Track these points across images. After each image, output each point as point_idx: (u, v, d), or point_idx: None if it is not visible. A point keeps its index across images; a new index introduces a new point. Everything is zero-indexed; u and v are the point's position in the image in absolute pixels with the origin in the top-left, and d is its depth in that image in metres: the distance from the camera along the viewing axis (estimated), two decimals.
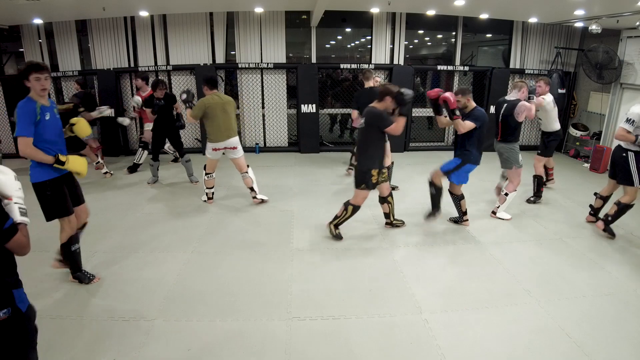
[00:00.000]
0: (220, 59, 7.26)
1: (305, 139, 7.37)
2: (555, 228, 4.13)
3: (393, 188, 4.88)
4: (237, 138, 4.54)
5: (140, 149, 6.04)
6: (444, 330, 2.51)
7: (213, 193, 4.75)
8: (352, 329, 2.53)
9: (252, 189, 4.66)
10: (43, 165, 2.68)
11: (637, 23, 5.37)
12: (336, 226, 3.78)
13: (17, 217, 1.50)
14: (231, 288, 2.99)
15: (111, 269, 3.24)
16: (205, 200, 4.76)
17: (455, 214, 4.19)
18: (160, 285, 3.00)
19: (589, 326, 2.57)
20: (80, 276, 3.00)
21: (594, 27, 5.85)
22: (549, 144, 4.90)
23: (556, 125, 4.86)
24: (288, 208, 4.60)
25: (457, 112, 3.69)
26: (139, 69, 7.05)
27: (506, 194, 4.26)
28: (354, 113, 5.01)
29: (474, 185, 5.39)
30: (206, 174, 4.62)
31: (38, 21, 6.76)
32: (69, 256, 2.91)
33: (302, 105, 7.14)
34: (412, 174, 5.91)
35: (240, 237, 3.89)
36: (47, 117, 2.66)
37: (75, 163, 2.79)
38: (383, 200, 3.93)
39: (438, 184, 3.93)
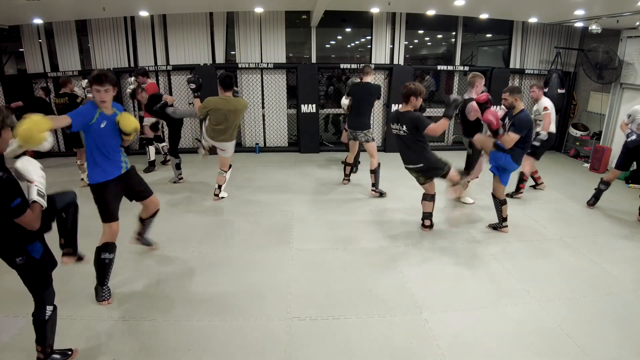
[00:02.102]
0: (220, 59, 7.26)
1: (305, 139, 7.37)
2: (555, 228, 4.13)
3: (381, 194, 4.91)
4: (229, 144, 4.56)
5: (147, 147, 6.06)
6: (444, 330, 2.51)
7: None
8: (352, 329, 2.53)
9: (219, 186, 4.77)
10: (92, 170, 2.76)
11: (637, 23, 5.37)
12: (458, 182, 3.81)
13: (33, 196, 1.88)
14: (231, 288, 2.99)
15: (111, 269, 3.23)
16: (223, 197, 4.83)
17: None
18: (160, 285, 3.00)
19: (589, 326, 2.57)
20: (98, 290, 2.79)
21: (594, 27, 5.85)
22: (542, 145, 4.87)
23: (552, 128, 4.91)
24: (288, 208, 4.60)
25: (501, 131, 3.68)
26: (139, 67, 7.04)
27: (467, 181, 4.51)
28: (345, 100, 5.12)
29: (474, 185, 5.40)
30: (226, 171, 4.73)
31: (38, 21, 6.75)
32: (97, 263, 2.76)
33: (302, 105, 7.14)
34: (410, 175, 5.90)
35: (240, 237, 3.89)
36: (103, 125, 2.66)
37: (128, 120, 2.74)
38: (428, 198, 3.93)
39: (501, 197, 3.84)
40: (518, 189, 4.99)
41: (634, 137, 4.23)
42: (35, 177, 1.92)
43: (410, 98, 3.59)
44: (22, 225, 1.84)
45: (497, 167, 3.81)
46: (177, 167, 5.48)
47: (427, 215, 3.96)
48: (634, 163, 4.70)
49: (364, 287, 3.01)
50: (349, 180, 5.51)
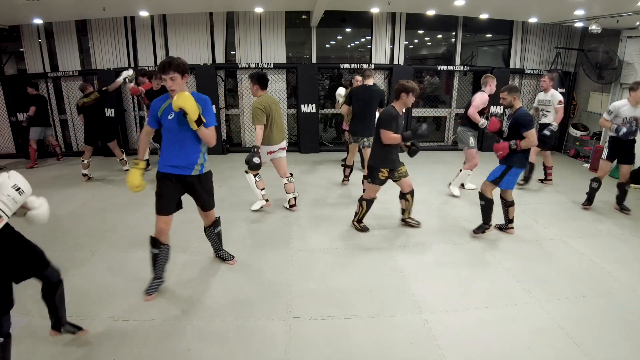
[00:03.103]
0: (220, 59, 7.26)
1: (305, 139, 7.37)
2: (555, 228, 4.13)
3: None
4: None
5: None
6: (444, 330, 2.51)
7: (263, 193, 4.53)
8: (352, 329, 2.53)
9: (295, 197, 4.52)
10: (161, 155, 2.78)
11: (637, 23, 5.37)
12: (359, 222, 3.99)
13: None
14: (231, 288, 2.99)
15: (111, 269, 3.24)
16: (262, 207, 4.53)
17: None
18: (160, 285, 2.99)
19: (589, 326, 2.57)
20: (151, 284, 2.85)
21: (594, 27, 5.85)
22: (552, 135, 5.19)
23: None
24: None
25: (513, 146, 3.60)
26: (139, 69, 7.04)
27: (460, 170, 5.01)
28: (344, 108, 5.10)
29: (474, 183, 5.40)
30: (254, 175, 4.39)
31: (38, 21, 6.76)
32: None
33: (302, 105, 7.14)
34: (411, 174, 5.90)
35: (240, 237, 3.89)
36: (170, 117, 2.62)
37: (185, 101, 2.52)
38: (402, 195, 3.97)
39: (488, 195, 3.75)
40: (527, 179, 5.33)
41: (624, 129, 4.31)
42: (2, 192, 1.80)
43: (401, 94, 3.60)
44: None
45: (495, 181, 3.76)
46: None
47: (402, 211, 4.08)
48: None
49: (364, 287, 3.01)
50: (348, 180, 5.50)
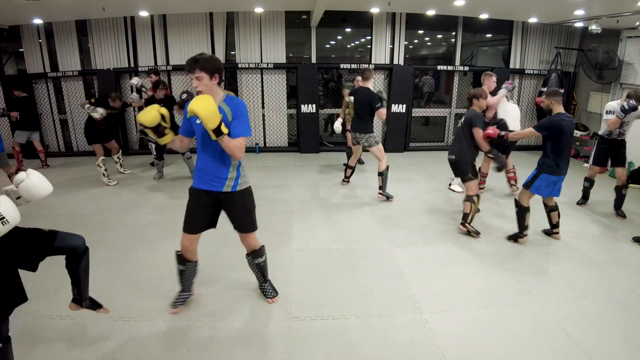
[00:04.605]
0: (220, 59, 7.23)
1: (305, 139, 7.37)
2: None
3: (388, 198, 4.82)
4: None
5: (149, 144, 6.13)
6: (444, 330, 2.51)
7: None
8: (352, 329, 2.53)
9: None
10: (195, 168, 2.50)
11: (637, 23, 5.37)
12: (469, 223, 3.88)
13: None
14: (231, 288, 2.99)
15: (111, 269, 3.24)
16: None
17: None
18: (161, 285, 3.00)
19: (589, 326, 2.57)
20: (178, 297, 2.73)
21: (594, 27, 5.85)
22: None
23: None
24: (288, 208, 4.60)
25: (502, 134, 3.71)
26: (139, 69, 7.05)
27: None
28: (338, 124, 5.20)
29: None
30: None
31: (38, 21, 6.75)
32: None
33: (302, 106, 7.14)
34: (412, 174, 5.92)
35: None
36: (198, 121, 2.29)
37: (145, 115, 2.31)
38: (467, 198, 3.90)
39: (522, 203, 3.67)
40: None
41: (631, 102, 4.12)
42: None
43: (472, 101, 3.90)
44: None
45: (527, 185, 3.67)
46: (161, 167, 5.78)
47: (464, 216, 3.91)
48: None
49: (364, 287, 3.01)
50: (348, 181, 5.49)
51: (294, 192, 5.20)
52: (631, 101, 4.06)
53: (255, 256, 2.72)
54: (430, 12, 6.77)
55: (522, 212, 3.69)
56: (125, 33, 7.13)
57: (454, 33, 7.66)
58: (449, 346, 2.37)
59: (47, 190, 2.00)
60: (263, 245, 2.74)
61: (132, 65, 7.23)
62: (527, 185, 3.64)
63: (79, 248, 2.08)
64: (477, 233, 3.85)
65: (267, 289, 2.86)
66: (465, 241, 3.80)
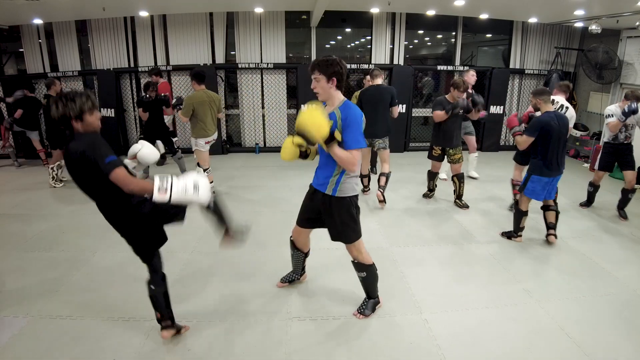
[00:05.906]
0: (220, 59, 7.26)
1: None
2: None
3: (384, 199, 4.58)
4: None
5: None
6: (444, 330, 2.51)
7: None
8: (352, 329, 2.53)
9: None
10: None
11: (637, 23, 5.38)
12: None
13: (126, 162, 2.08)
14: (231, 288, 2.99)
15: (111, 269, 3.24)
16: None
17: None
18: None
19: (589, 326, 2.57)
20: (287, 275, 2.99)
21: (594, 27, 5.85)
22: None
23: None
24: (288, 208, 4.59)
25: (517, 129, 3.67)
26: (139, 69, 7.05)
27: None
28: None
29: (474, 184, 5.40)
30: (204, 169, 4.62)
31: (38, 21, 6.76)
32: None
33: (302, 106, 7.12)
34: (412, 174, 5.91)
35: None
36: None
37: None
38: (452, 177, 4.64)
39: (520, 206, 3.68)
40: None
41: (633, 105, 4.09)
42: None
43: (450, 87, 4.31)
44: (117, 183, 1.95)
45: (521, 188, 3.68)
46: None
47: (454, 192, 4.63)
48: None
49: None
50: (369, 189, 5.13)
51: (294, 192, 5.19)
52: (632, 104, 4.05)
53: (355, 268, 2.58)
54: (430, 12, 6.78)
55: (518, 214, 3.72)
56: (125, 33, 7.13)
57: (454, 33, 7.66)
58: (449, 346, 2.37)
59: (157, 156, 2.66)
60: (371, 264, 2.55)
61: (132, 65, 7.24)
62: (521, 189, 3.66)
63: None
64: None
65: (362, 305, 2.67)
66: (465, 241, 3.80)
